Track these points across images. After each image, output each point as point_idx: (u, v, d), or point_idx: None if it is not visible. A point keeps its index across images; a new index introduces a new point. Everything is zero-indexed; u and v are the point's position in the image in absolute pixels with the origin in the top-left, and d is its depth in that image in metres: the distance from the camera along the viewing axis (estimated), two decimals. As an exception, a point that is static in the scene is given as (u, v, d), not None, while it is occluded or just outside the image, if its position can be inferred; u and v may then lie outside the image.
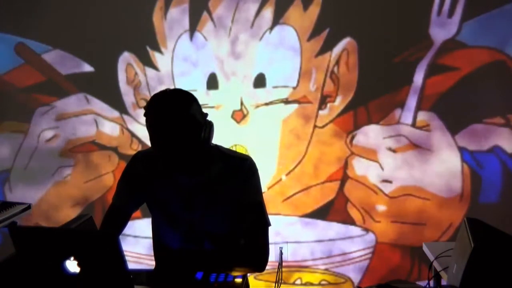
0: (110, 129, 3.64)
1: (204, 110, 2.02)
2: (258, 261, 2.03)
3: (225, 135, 3.39)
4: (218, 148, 2.09)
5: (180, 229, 2.07)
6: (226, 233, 2.05)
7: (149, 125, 1.94)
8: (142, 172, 2.09)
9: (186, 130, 1.91)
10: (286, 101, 3.52)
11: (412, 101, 3.42)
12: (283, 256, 2.10)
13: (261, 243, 2.03)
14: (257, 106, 3.54)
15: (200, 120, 1.95)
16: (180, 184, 2.05)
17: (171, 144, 1.91)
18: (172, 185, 2.05)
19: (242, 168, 2.04)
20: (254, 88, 3.53)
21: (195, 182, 2.03)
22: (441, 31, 3.37)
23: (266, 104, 3.53)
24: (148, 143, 2.00)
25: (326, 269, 3.59)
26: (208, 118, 2.01)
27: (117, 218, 2.14)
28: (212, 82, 3.54)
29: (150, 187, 2.09)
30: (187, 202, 2.04)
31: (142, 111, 1.97)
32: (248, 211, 2.02)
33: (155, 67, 3.57)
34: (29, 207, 3.06)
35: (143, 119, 1.98)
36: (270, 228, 2.06)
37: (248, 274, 2.03)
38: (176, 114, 1.90)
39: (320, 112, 3.50)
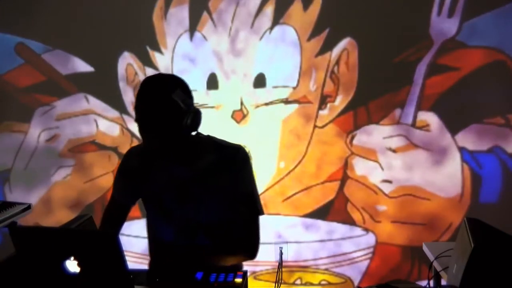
0: (110, 129, 3.64)
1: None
2: (251, 249, 2.07)
3: (225, 135, 3.38)
4: (210, 138, 2.10)
5: (175, 222, 2.07)
6: (220, 223, 2.07)
7: (134, 107, 1.97)
8: (137, 166, 2.11)
9: (166, 114, 1.92)
10: (286, 101, 3.52)
11: (412, 101, 3.42)
12: (283, 256, 2.10)
13: (253, 232, 2.07)
14: (257, 106, 3.54)
15: (182, 106, 1.95)
16: (174, 176, 2.05)
17: (152, 128, 1.93)
18: (166, 178, 2.06)
19: (235, 157, 2.05)
20: (254, 88, 3.53)
21: (189, 174, 2.04)
22: (441, 31, 3.37)
23: (266, 104, 3.53)
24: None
25: (326, 269, 3.59)
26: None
27: (117, 213, 2.16)
28: (212, 82, 3.54)
29: (145, 181, 2.10)
30: (182, 195, 2.05)
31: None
32: (242, 200, 2.04)
33: (155, 67, 3.57)
34: (29, 207, 3.05)
35: (143, 119, 1.99)
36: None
37: (248, 274, 2.04)
38: (157, 97, 1.92)
39: (320, 112, 3.50)
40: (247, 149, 2.12)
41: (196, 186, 2.04)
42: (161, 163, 2.07)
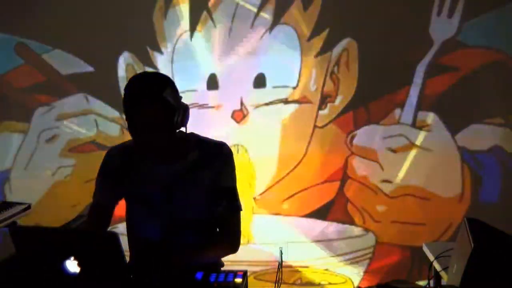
0: (110, 129, 3.64)
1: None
2: (234, 243, 2.11)
3: (225, 135, 3.39)
4: (194, 135, 2.12)
5: (160, 219, 2.08)
6: (206, 218, 2.09)
7: (124, 106, 1.96)
8: (120, 166, 2.11)
9: (158, 112, 1.92)
10: (286, 101, 3.51)
11: (412, 101, 3.42)
12: (283, 256, 2.10)
13: (235, 227, 2.11)
14: (257, 106, 3.54)
15: (173, 103, 1.95)
16: (158, 174, 2.06)
17: (144, 125, 1.93)
18: (151, 176, 2.07)
19: (220, 153, 2.09)
20: (254, 88, 3.53)
21: (174, 171, 2.05)
22: (441, 31, 3.36)
23: (266, 104, 3.53)
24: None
25: (326, 269, 3.59)
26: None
27: (102, 215, 2.16)
28: (212, 82, 3.54)
29: (128, 180, 2.10)
30: (167, 192, 2.06)
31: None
32: (224, 195, 2.07)
33: (155, 67, 3.57)
34: (29, 207, 3.06)
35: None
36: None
37: (248, 274, 2.04)
38: (148, 95, 1.92)
39: (320, 112, 3.50)
40: (232, 149, 2.15)
41: (182, 183, 2.05)
42: (145, 162, 2.07)
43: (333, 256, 3.57)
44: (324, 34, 3.44)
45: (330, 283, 3.58)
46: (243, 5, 3.47)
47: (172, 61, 3.56)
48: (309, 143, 3.52)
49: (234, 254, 2.14)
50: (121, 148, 2.17)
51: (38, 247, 1.70)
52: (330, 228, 3.55)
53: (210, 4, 3.50)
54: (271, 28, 3.47)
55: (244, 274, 1.91)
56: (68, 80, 3.64)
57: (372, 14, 3.37)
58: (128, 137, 2.03)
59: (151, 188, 2.08)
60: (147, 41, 3.56)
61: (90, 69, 3.62)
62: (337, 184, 3.53)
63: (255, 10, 3.47)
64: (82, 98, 3.65)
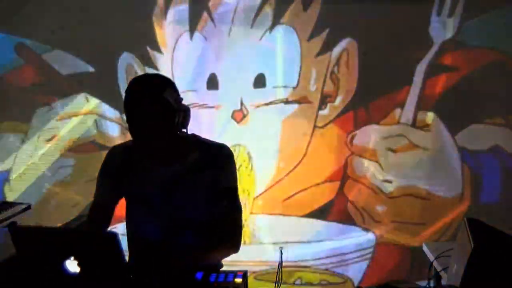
0: (110, 129, 3.64)
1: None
2: (236, 243, 2.11)
3: (225, 135, 3.40)
4: (195, 136, 2.12)
5: (160, 220, 2.08)
6: (207, 219, 2.08)
7: (125, 108, 1.97)
8: (120, 165, 2.11)
9: (159, 113, 1.93)
10: (286, 101, 3.51)
11: (412, 101, 3.42)
12: (283, 256, 2.11)
13: (236, 227, 2.12)
14: (257, 106, 3.54)
15: (174, 105, 1.96)
16: (158, 174, 2.06)
17: (145, 127, 1.94)
18: (151, 177, 2.07)
19: (219, 154, 2.09)
20: (254, 88, 3.53)
21: (174, 172, 2.06)
22: (441, 31, 3.37)
23: (266, 104, 3.53)
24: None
25: (326, 269, 3.58)
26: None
27: (102, 215, 2.17)
28: (212, 82, 3.54)
29: (129, 180, 2.11)
30: (167, 193, 2.06)
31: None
32: (224, 196, 2.07)
33: (155, 67, 3.57)
34: (29, 207, 3.06)
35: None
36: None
37: (248, 274, 2.04)
38: (149, 96, 1.93)
39: (320, 112, 3.50)
40: (232, 149, 2.16)
41: (181, 184, 2.06)
42: (146, 162, 2.08)
43: (333, 256, 3.57)
44: (324, 34, 3.44)
45: (330, 283, 3.58)
46: (243, 5, 3.47)
47: (172, 61, 3.56)
48: (309, 143, 3.52)
49: (234, 254, 2.14)
50: (123, 147, 2.18)
51: (38, 247, 1.70)
52: (329, 228, 3.55)
53: (210, 4, 3.49)
54: (271, 28, 3.47)
55: (244, 274, 1.91)
56: (68, 80, 3.64)
57: (372, 14, 3.37)
58: (128, 137, 2.03)
59: (150, 189, 2.08)
60: (147, 41, 3.56)
61: (90, 69, 3.62)
62: (337, 184, 3.52)
63: (255, 10, 3.47)
64: (82, 98, 3.65)
